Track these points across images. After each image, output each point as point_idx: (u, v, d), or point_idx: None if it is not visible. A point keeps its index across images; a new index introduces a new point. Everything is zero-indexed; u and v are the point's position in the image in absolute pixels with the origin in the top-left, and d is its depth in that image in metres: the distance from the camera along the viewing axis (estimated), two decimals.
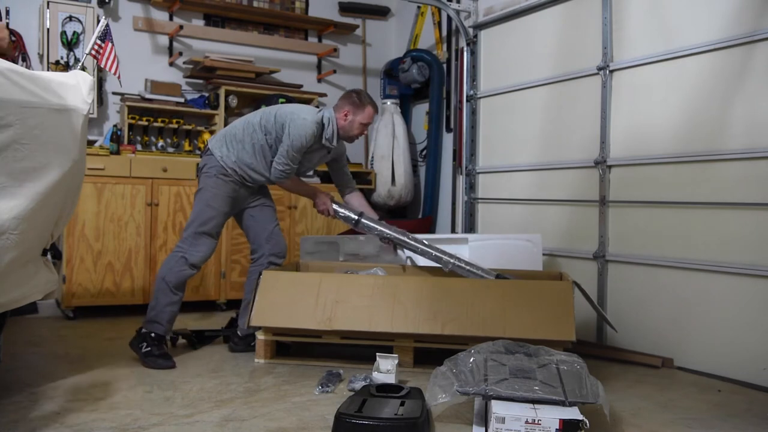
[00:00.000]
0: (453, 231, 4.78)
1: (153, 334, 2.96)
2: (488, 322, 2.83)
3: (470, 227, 4.54)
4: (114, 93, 4.54)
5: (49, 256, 2.60)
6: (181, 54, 4.73)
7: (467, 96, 4.57)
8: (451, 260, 3.17)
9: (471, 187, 4.57)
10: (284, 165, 3.08)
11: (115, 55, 2.97)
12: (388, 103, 5.14)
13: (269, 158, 3.12)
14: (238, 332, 3.24)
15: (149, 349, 2.93)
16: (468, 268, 3.13)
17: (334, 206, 3.30)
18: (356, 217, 3.29)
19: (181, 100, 4.61)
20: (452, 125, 4.90)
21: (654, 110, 3.32)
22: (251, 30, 5.13)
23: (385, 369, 2.67)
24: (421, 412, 2.11)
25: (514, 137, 4.25)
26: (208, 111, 4.65)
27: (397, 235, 3.27)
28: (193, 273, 3.08)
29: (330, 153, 3.30)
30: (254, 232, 3.26)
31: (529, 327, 2.79)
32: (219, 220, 3.10)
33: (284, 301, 2.98)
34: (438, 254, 3.20)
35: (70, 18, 4.31)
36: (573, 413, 1.98)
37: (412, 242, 3.26)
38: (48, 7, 4.24)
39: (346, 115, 3.17)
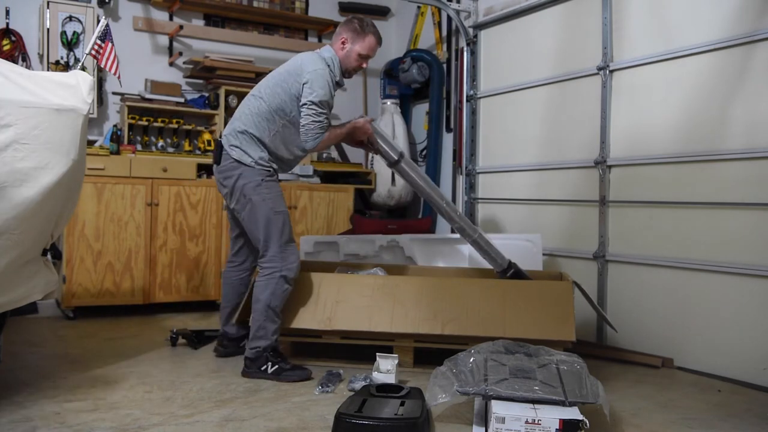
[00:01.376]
0: (453, 231, 4.78)
1: (271, 351, 2.77)
2: (488, 322, 2.84)
3: None
4: (114, 93, 4.54)
5: (49, 256, 2.61)
6: (181, 54, 4.73)
7: (467, 96, 4.57)
8: (475, 234, 3.08)
9: (471, 187, 4.57)
10: (318, 123, 2.74)
11: (115, 55, 2.98)
12: (388, 103, 5.14)
13: (295, 135, 2.82)
14: (225, 334, 3.12)
15: (277, 366, 2.74)
16: (486, 248, 3.11)
17: (376, 134, 2.95)
18: (396, 157, 2.97)
19: (181, 100, 4.61)
20: (452, 125, 4.90)
21: (654, 110, 3.32)
22: (251, 30, 5.13)
23: (385, 369, 2.67)
24: (421, 412, 2.11)
25: (514, 137, 4.25)
26: (208, 111, 4.65)
27: (430, 192, 3.05)
28: (292, 288, 2.84)
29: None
30: (250, 246, 3.03)
31: (529, 327, 2.79)
32: (289, 221, 2.85)
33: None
34: (463, 225, 3.11)
35: (70, 18, 4.31)
36: (573, 413, 1.98)
37: (444, 205, 3.08)
38: (48, 7, 4.24)
39: (343, 44, 2.86)
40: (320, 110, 2.75)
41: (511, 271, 3.13)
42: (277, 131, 2.81)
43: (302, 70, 2.77)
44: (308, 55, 2.84)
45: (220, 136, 2.90)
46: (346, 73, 2.91)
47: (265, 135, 2.79)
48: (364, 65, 2.93)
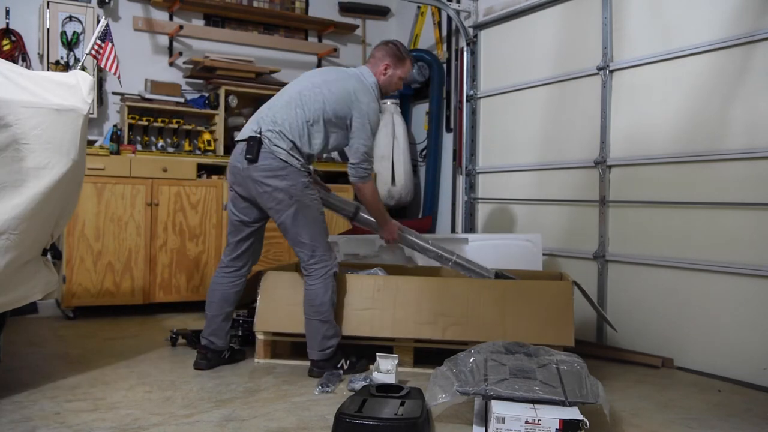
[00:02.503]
0: (453, 231, 4.78)
1: (339, 350, 2.84)
2: (488, 327, 2.85)
3: (470, 227, 4.54)
4: (114, 93, 4.54)
5: (49, 256, 2.61)
6: (181, 54, 4.73)
7: (467, 96, 4.57)
8: (452, 257, 3.13)
9: (471, 187, 4.57)
10: (366, 161, 2.82)
11: (115, 55, 2.97)
12: (388, 103, 5.13)
13: (322, 148, 2.84)
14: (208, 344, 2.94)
15: (350, 361, 2.84)
16: (468, 266, 3.13)
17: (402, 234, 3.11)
18: (453, 258, 3.13)
19: (181, 100, 4.61)
20: (452, 125, 4.90)
21: (654, 110, 3.32)
22: (251, 30, 5.13)
23: (385, 369, 2.67)
24: (421, 412, 2.11)
25: (514, 137, 4.25)
26: (208, 111, 4.65)
27: (437, 251, 3.16)
28: None
29: None
30: (258, 245, 3.00)
31: (529, 331, 2.80)
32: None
33: (286, 303, 2.98)
34: (440, 252, 3.15)
35: (70, 18, 4.31)
36: (573, 413, 1.98)
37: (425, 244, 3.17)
38: (48, 7, 4.24)
39: (386, 69, 2.90)
40: (365, 156, 2.83)
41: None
42: (317, 146, 2.80)
43: (355, 102, 2.79)
44: (359, 85, 2.82)
45: (260, 132, 2.73)
46: (384, 95, 2.99)
47: (306, 147, 2.77)
48: (400, 87, 3.02)
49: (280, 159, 2.69)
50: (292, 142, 2.72)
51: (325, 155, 5.13)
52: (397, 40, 3.05)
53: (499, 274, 3.13)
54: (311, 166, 2.88)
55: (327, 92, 2.78)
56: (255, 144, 2.70)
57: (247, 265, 2.97)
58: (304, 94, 2.79)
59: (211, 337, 2.92)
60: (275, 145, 2.70)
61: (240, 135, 2.83)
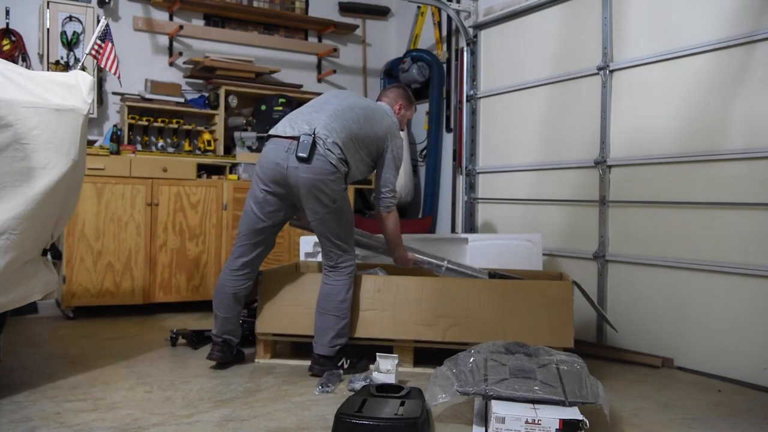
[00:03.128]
0: (453, 231, 4.78)
1: (346, 348, 2.87)
2: (488, 328, 2.85)
3: (470, 227, 4.54)
4: (114, 93, 4.54)
5: (49, 256, 2.61)
6: (181, 54, 4.73)
7: (467, 96, 4.57)
8: (443, 263, 3.17)
9: (471, 187, 4.57)
10: (392, 191, 2.95)
11: (115, 55, 2.97)
12: None
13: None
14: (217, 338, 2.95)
15: (350, 361, 2.87)
16: (461, 270, 3.15)
17: (416, 256, 3.19)
18: (444, 264, 3.19)
19: (181, 100, 4.62)
20: (452, 125, 4.90)
21: (654, 110, 3.32)
22: (251, 30, 5.13)
23: (385, 369, 2.67)
24: (421, 412, 2.11)
25: (514, 137, 4.25)
26: (208, 111, 4.65)
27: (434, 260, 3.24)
28: None
29: None
30: (270, 248, 2.97)
31: (529, 332, 2.80)
32: None
33: (286, 304, 2.98)
34: (430, 260, 3.21)
35: (70, 18, 4.31)
36: (573, 413, 1.98)
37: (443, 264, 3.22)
38: (48, 7, 4.24)
39: (400, 108, 3.11)
40: (395, 189, 2.97)
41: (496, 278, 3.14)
42: (353, 165, 2.83)
43: (390, 137, 2.94)
44: (392, 123, 2.99)
45: (314, 132, 2.69)
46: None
47: (348, 160, 2.80)
48: (404, 129, 3.26)
49: (332, 163, 2.69)
50: (343, 151, 2.73)
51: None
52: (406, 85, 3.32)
53: (493, 274, 3.14)
54: None
55: (373, 121, 2.89)
56: (309, 144, 2.67)
57: (258, 266, 2.98)
58: (356, 111, 2.85)
59: (227, 335, 2.94)
60: (329, 150, 2.68)
61: (282, 131, 2.77)
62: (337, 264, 2.85)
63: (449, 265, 3.17)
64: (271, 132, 2.83)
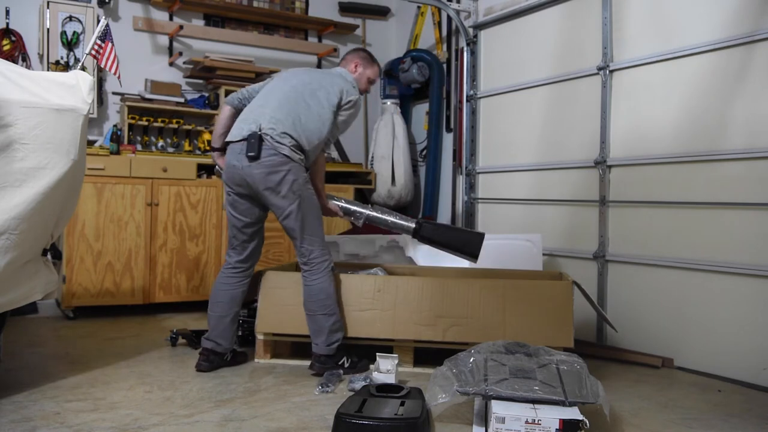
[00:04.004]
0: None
1: (342, 346, 2.86)
2: (488, 328, 2.85)
3: (470, 227, 4.54)
4: (114, 93, 4.54)
5: (49, 256, 2.60)
6: (181, 54, 4.73)
7: (467, 96, 4.57)
8: (365, 212, 3.12)
9: (471, 187, 4.57)
10: (328, 143, 2.98)
11: (115, 55, 2.97)
12: (388, 103, 5.14)
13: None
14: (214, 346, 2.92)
15: (351, 360, 2.86)
16: (384, 217, 3.11)
17: (340, 203, 3.13)
18: (366, 212, 3.14)
19: (181, 100, 4.62)
20: (452, 125, 4.90)
21: (654, 110, 3.32)
22: (251, 30, 5.13)
23: (385, 369, 2.67)
24: (421, 412, 2.11)
25: (514, 137, 4.25)
26: (208, 111, 4.65)
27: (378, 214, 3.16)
28: None
29: None
30: (261, 242, 3.00)
31: (529, 332, 2.80)
32: None
33: (286, 304, 2.97)
34: (356, 208, 3.14)
35: (70, 18, 4.31)
36: (573, 413, 1.98)
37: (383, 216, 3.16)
38: (48, 7, 4.24)
39: (356, 67, 3.10)
40: (336, 134, 3.01)
41: (423, 228, 3.07)
42: (315, 142, 2.85)
43: (345, 98, 2.93)
44: (346, 84, 2.97)
45: (260, 129, 2.74)
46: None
47: (306, 143, 2.81)
48: (368, 90, 3.21)
49: (283, 154, 2.72)
50: (294, 138, 2.76)
51: (324, 154, 5.13)
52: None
53: (421, 222, 3.08)
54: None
55: (321, 91, 2.88)
56: (256, 141, 2.72)
57: (253, 264, 3.00)
58: (299, 91, 2.86)
59: (218, 339, 2.90)
60: (277, 141, 2.72)
61: (234, 136, 2.82)
62: (310, 260, 2.82)
63: (372, 212, 3.12)
64: (227, 138, 2.88)
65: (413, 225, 3.08)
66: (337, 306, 2.85)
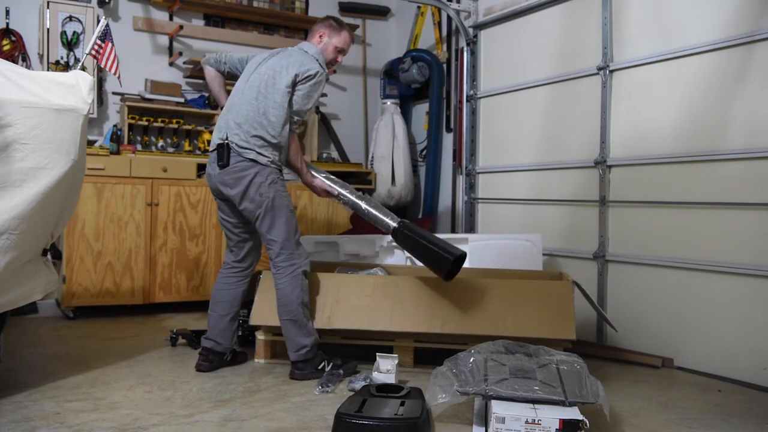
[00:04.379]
0: (453, 231, 4.78)
1: (318, 349, 2.81)
2: (488, 321, 2.84)
3: (470, 227, 4.54)
4: (114, 93, 4.54)
5: (49, 256, 2.60)
6: (181, 54, 4.73)
7: (467, 96, 4.57)
8: (348, 195, 2.97)
9: (471, 187, 4.57)
10: (299, 123, 2.89)
11: (115, 55, 2.97)
12: (388, 103, 5.14)
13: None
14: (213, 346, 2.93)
15: (332, 364, 2.80)
16: (365, 206, 2.95)
17: (324, 181, 2.99)
18: (362, 205, 2.97)
19: (181, 100, 4.61)
20: (452, 125, 4.90)
21: (654, 110, 3.32)
22: (251, 30, 5.13)
23: (385, 369, 2.67)
24: (421, 412, 2.11)
25: (514, 137, 4.25)
26: (208, 111, 4.65)
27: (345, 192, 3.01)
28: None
29: None
30: (257, 242, 3.00)
31: (530, 326, 2.80)
32: None
33: None
34: (347, 194, 2.99)
35: (70, 18, 4.31)
36: (573, 413, 1.98)
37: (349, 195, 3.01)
38: (48, 7, 4.24)
39: (321, 37, 2.98)
40: (302, 117, 2.90)
41: (401, 232, 2.87)
42: (279, 129, 2.81)
43: (300, 69, 2.82)
44: (303, 58, 2.88)
45: (226, 138, 2.80)
46: (326, 65, 2.99)
47: (271, 137, 2.79)
48: (339, 59, 3.06)
49: (248, 159, 2.77)
50: (261, 136, 2.77)
51: (324, 155, 5.14)
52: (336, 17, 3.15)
53: (401, 224, 2.90)
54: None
55: (279, 75, 2.82)
56: (224, 150, 2.79)
57: (252, 264, 3.02)
58: (256, 86, 2.85)
59: (218, 338, 2.91)
60: (241, 147, 2.77)
61: (211, 145, 2.91)
62: (276, 264, 2.81)
63: (353, 198, 2.97)
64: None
65: (394, 224, 2.90)
66: (301, 312, 2.78)
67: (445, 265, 2.75)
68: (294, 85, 2.82)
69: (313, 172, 3.02)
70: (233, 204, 2.85)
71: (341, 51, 3.03)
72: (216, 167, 2.81)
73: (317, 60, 2.91)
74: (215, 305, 2.95)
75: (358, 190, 3.08)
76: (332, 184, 3.01)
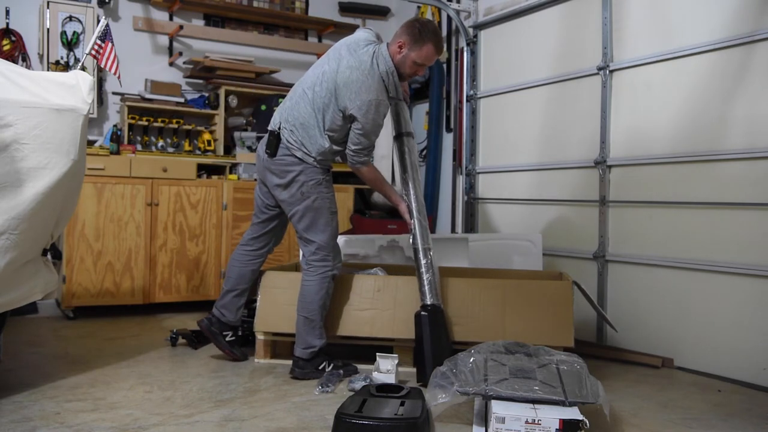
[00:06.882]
0: (453, 231, 4.78)
1: (325, 352, 2.82)
2: (488, 328, 2.85)
3: (470, 227, 4.54)
4: (114, 93, 4.54)
5: (49, 256, 2.61)
6: (181, 54, 4.73)
7: (467, 96, 4.57)
8: (417, 238, 2.86)
9: (471, 187, 4.57)
10: (361, 150, 2.74)
11: (115, 55, 2.97)
12: None
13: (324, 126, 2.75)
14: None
15: (332, 365, 2.80)
16: (424, 274, 2.82)
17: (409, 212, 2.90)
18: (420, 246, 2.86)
19: (181, 100, 4.61)
20: (452, 125, 4.90)
21: (654, 110, 3.32)
22: (251, 30, 5.13)
23: (385, 369, 2.67)
24: (421, 412, 2.11)
25: (514, 137, 4.25)
26: (208, 111, 4.65)
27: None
28: None
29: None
30: (279, 229, 3.04)
31: (529, 332, 2.80)
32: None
33: (285, 303, 2.97)
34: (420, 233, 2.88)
35: (70, 18, 4.31)
36: (573, 413, 1.98)
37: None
38: (48, 7, 4.24)
39: (400, 48, 2.69)
40: (364, 150, 2.76)
41: (423, 316, 2.72)
42: (324, 144, 2.75)
43: (355, 92, 2.64)
44: (364, 72, 2.64)
45: (279, 127, 2.75)
46: (401, 77, 2.77)
47: (312, 146, 2.75)
48: (419, 73, 2.80)
49: (295, 156, 2.76)
50: (302, 140, 2.77)
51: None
52: (431, 20, 2.82)
53: (430, 307, 2.74)
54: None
55: (333, 86, 2.69)
56: (274, 138, 2.79)
57: (267, 246, 3.04)
58: (315, 89, 2.76)
59: (223, 309, 3.02)
60: (289, 142, 2.77)
61: (269, 125, 2.87)
62: (309, 262, 2.83)
63: (424, 264, 2.82)
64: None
65: (425, 302, 2.75)
66: (319, 313, 2.80)
67: (421, 375, 2.67)
68: (345, 116, 2.70)
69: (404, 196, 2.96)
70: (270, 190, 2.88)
71: (420, 66, 2.74)
72: (264, 153, 2.82)
73: (383, 81, 2.67)
74: (226, 279, 3.05)
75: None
76: (412, 211, 2.93)
